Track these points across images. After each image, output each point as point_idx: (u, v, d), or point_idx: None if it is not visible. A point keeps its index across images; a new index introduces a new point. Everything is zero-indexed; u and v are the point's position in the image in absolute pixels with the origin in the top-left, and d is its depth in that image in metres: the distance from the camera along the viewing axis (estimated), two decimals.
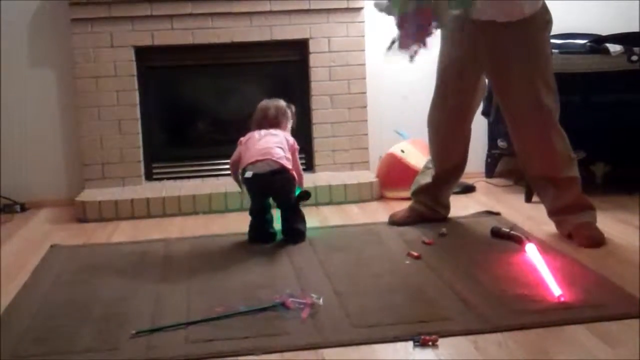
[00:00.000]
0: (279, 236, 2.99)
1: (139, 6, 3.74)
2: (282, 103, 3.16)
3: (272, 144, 2.95)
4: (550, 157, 2.85)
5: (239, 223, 3.11)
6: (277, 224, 3.00)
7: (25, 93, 3.84)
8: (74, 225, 3.48)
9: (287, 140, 3.03)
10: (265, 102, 3.16)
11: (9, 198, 3.81)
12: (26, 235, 3.33)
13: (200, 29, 3.82)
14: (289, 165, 2.93)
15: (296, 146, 3.08)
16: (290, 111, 3.17)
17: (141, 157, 3.88)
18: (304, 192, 3.04)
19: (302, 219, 3.02)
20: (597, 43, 3.56)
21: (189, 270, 2.60)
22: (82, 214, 3.54)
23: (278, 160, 2.89)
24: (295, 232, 2.96)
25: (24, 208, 3.81)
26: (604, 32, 3.65)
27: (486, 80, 3.01)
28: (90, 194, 3.67)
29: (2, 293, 2.47)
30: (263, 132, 3.03)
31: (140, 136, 3.87)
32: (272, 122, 3.09)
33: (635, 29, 3.80)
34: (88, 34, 3.74)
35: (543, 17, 2.79)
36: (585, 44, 3.58)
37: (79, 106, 3.79)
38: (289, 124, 3.17)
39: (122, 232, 3.30)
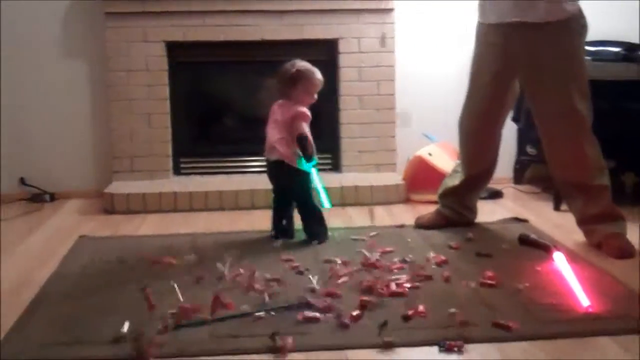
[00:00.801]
0: (299, 235, 2.99)
1: (172, 2, 3.77)
2: (287, 66, 2.93)
3: (274, 132, 2.92)
4: (582, 164, 2.82)
5: (265, 220, 3.11)
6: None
7: (57, 84, 3.90)
8: (102, 216, 3.52)
9: (289, 117, 2.87)
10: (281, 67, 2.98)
11: (38, 187, 3.87)
12: (55, 225, 3.37)
13: (232, 25, 3.84)
14: (287, 152, 2.88)
15: (301, 114, 2.86)
16: (295, 74, 2.89)
17: (170, 152, 3.92)
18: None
19: (317, 219, 2.96)
20: (630, 51, 3.53)
21: (215, 266, 2.61)
22: (110, 206, 3.58)
23: (279, 150, 2.89)
24: (308, 233, 2.96)
25: (53, 198, 3.87)
26: (638, 40, 3.61)
27: (518, 86, 2.99)
28: (119, 187, 3.70)
29: (31, 281, 2.51)
30: (275, 108, 2.96)
31: (169, 130, 3.90)
32: (282, 93, 2.95)
33: None
34: (121, 28, 3.78)
35: (578, 22, 2.77)
36: (618, 52, 3.55)
37: (110, 99, 3.83)
38: (298, 88, 2.89)
39: (149, 225, 3.32)
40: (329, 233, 2.99)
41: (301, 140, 2.84)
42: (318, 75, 2.94)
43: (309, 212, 2.98)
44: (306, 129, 2.88)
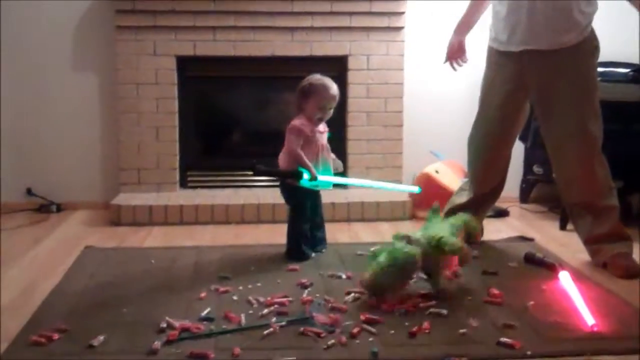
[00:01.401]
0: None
1: (183, 17, 3.80)
2: (303, 80, 2.92)
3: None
4: (591, 184, 2.82)
5: (271, 234, 3.12)
6: None
7: (67, 96, 3.92)
8: (108, 228, 3.52)
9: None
10: None
11: (45, 198, 3.88)
12: (61, 236, 3.38)
13: (242, 41, 3.87)
14: (283, 166, 2.89)
15: (291, 128, 2.85)
16: (307, 87, 2.88)
17: (177, 165, 3.93)
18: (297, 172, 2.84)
19: (295, 239, 2.93)
20: (639, 73, 3.53)
21: (219, 279, 2.62)
22: (117, 218, 3.59)
23: (279, 164, 2.92)
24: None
25: (59, 208, 3.88)
26: None
27: (528, 107, 3.00)
28: (125, 198, 3.71)
29: (35, 292, 2.51)
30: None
31: (177, 144, 3.92)
32: (296, 107, 2.93)
33: None
34: (132, 41, 3.81)
35: (592, 43, 2.79)
36: (627, 73, 3.55)
37: (119, 111, 3.85)
38: (310, 102, 2.87)
39: (155, 238, 3.33)
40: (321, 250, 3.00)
41: (291, 156, 2.86)
42: (331, 90, 2.89)
43: (290, 228, 2.95)
44: (296, 143, 2.84)
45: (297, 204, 2.95)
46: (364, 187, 3.16)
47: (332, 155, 3.04)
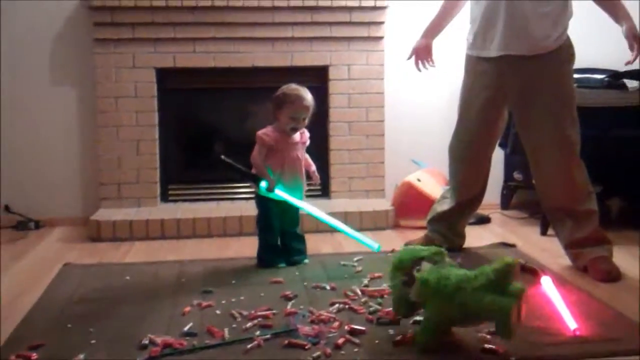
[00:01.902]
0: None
1: (163, 29, 3.79)
2: (277, 92, 2.95)
3: None
4: (570, 189, 2.85)
5: (254, 247, 3.10)
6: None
7: (46, 110, 3.88)
8: (88, 244, 3.49)
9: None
10: None
11: (23, 215, 3.83)
12: (40, 253, 3.34)
13: (222, 52, 3.86)
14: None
15: (257, 137, 2.91)
16: (280, 97, 2.92)
17: (158, 178, 3.91)
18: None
19: (261, 245, 3.02)
20: (615, 78, 3.57)
21: (202, 293, 2.60)
22: (96, 234, 3.55)
23: None
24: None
25: (38, 225, 3.82)
26: (622, 68, 3.65)
27: (507, 113, 3.02)
28: (105, 214, 3.69)
29: (14, 309, 2.48)
30: None
31: (157, 157, 3.90)
32: (273, 116, 2.98)
33: None
34: (110, 54, 3.79)
35: (568, 50, 2.82)
36: (603, 79, 3.59)
37: (99, 125, 3.83)
38: (283, 112, 2.89)
39: (136, 253, 3.30)
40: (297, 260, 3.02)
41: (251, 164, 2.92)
42: (304, 101, 2.90)
43: (259, 234, 3.03)
44: (258, 152, 2.90)
45: (262, 211, 3.00)
46: (321, 220, 3.05)
47: (313, 168, 3.05)
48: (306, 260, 3.03)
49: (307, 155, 3.07)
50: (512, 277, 1.99)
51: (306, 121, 2.95)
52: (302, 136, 2.99)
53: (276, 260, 2.98)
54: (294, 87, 2.94)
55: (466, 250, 3.18)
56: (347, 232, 3.06)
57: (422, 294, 2.07)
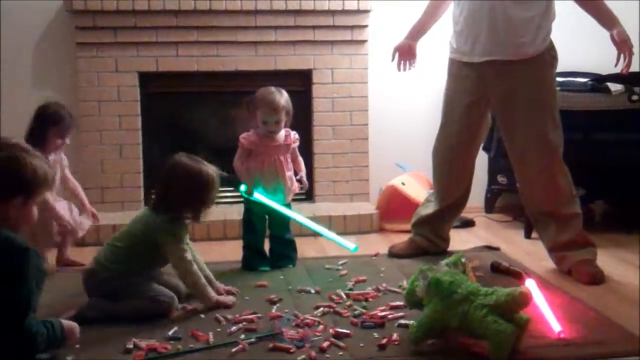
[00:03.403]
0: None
1: (145, 32, 3.77)
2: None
3: None
4: (553, 192, 2.86)
5: (237, 251, 3.09)
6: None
7: (28, 114, 3.82)
8: (72, 249, 3.44)
9: None
10: None
11: None
12: None
13: (205, 56, 3.85)
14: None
15: (240, 140, 2.96)
16: (252, 100, 2.95)
17: (141, 183, 3.88)
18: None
19: (244, 247, 3.05)
20: (598, 82, 3.59)
21: (186, 297, 2.58)
22: (80, 238, 3.51)
23: None
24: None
25: None
26: (605, 71, 3.68)
27: (490, 116, 3.03)
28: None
29: None
30: None
31: (141, 161, 3.87)
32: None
33: (636, 69, 3.84)
34: (93, 58, 3.77)
35: (549, 54, 2.84)
36: (586, 82, 3.61)
37: (81, 129, 3.78)
38: (256, 115, 2.92)
39: None
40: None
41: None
42: (273, 104, 2.87)
43: (243, 237, 3.07)
44: (238, 155, 2.95)
45: (246, 214, 3.03)
46: (298, 222, 3.05)
47: (302, 173, 3.04)
48: (290, 265, 3.02)
49: (300, 159, 3.06)
50: (522, 307, 2.03)
51: (281, 124, 2.92)
52: (287, 138, 2.98)
53: (258, 264, 2.98)
54: (265, 91, 2.93)
55: (450, 254, 3.17)
56: (323, 233, 3.04)
57: (430, 292, 2.09)
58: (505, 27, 2.76)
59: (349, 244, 2.96)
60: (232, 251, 3.22)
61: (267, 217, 3.02)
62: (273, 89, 2.95)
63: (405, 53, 3.08)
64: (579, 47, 3.80)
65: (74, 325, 1.95)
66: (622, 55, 2.72)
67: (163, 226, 2.45)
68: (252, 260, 2.99)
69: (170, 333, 2.22)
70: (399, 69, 3.10)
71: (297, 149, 3.04)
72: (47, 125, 2.97)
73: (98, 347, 2.12)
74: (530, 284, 2.52)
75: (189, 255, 2.47)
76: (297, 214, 3.04)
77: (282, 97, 2.91)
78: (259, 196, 2.92)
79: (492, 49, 2.80)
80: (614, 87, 3.52)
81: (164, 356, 2.06)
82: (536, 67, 2.81)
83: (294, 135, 3.01)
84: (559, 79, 3.44)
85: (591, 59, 3.86)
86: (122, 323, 2.31)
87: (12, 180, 1.87)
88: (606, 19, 2.76)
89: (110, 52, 3.78)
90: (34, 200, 1.92)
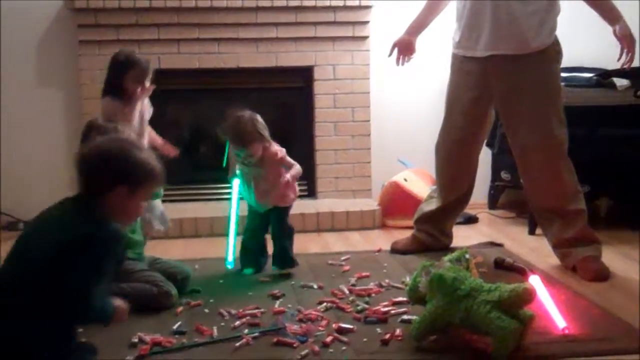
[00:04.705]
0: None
1: (147, 30, 3.77)
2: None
3: None
4: (558, 188, 2.84)
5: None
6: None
7: (32, 112, 3.85)
8: None
9: None
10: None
11: (12, 216, 3.80)
12: None
13: (207, 53, 3.85)
14: None
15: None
16: None
17: None
18: None
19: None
20: (604, 77, 3.57)
21: (190, 292, 2.58)
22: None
23: None
24: None
25: None
26: (610, 66, 3.66)
27: (493, 112, 3.02)
28: None
29: None
30: None
31: None
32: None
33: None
34: (95, 55, 3.76)
35: (554, 49, 2.82)
36: (591, 77, 3.59)
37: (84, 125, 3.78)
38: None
39: None
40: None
41: None
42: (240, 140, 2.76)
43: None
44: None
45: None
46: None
47: (295, 169, 2.86)
48: (274, 269, 2.88)
49: (295, 165, 2.84)
50: (526, 303, 2.01)
51: (256, 154, 2.76)
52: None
53: (244, 264, 2.89)
54: (231, 122, 2.79)
55: (453, 249, 3.16)
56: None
57: (433, 288, 2.08)
58: (508, 21, 2.74)
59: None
60: (236, 247, 3.21)
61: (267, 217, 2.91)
62: (242, 116, 2.76)
63: (404, 48, 3.07)
64: (584, 41, 3.78)
65: (125, 307, 1.92)
66: (624, 50, 2.71)
67: None
68: (241, 260, 2.90)
69: (174, 327, 2.22)
70: (397, 64, 3.09)
71: (286, 157, 2.84)
72: (122, 72, 2.79)
73: (103, 341, 2.11)
74: (535, 280, 2.51)
75: None
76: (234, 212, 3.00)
77: (249, 126, 2.73)
78: (234, 186, 2.90)
79: (495, 43, 2.78)
80: (620, 82, 3.50)
81: (168, 350, 2.06)
82: (540, 62, 2.79)
83: (275, 148, 2.81)
84: (563, 74, 3.42)
85: (596, 54, 3.83)
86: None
87: (117, 168, 1.85)
88: (609, 14, 2.74)
89: (112, 49, 3.72)
90: (141, 193, 1.90)
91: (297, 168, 2.85)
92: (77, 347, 1.92)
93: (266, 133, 2.77)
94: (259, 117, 2.79)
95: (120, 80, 2.81)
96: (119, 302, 1.90)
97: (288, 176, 2.81)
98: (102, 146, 1.92)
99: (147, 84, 2.86)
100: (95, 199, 1.84)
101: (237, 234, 2.98)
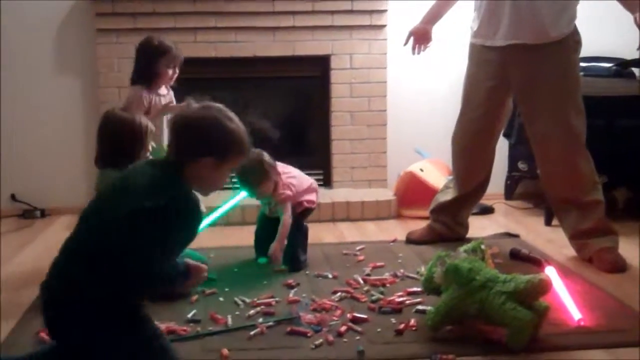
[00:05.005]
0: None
1: (164, 18, 3.77)
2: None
3: None
4: (576, 179, 2.82)
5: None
6: None
7: (49, 100, 3.87)
8: None
9: None
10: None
11: (29, 204, 3.84)
12: (45, 242, 3.33)
13: (223, 42, 3.84)
14: None
15: None
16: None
17: None
18: None
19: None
20: (623, 67, 3.54)
21: (206, 281, 2.59)
22: None
23: None
24: None
25: (44, 214, 3.83)
26: (630, 56, 3.62)
27: (511, 102, 3.00)
28: None
29: (20, 299, 2.48)
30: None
31: None
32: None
33: None
34: (113, 44, 3.77)
35: (573, 38, 2.79)
36: (610, 67, 3.56)
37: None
38: None
39: None
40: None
41: None
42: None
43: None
44: None
45: None
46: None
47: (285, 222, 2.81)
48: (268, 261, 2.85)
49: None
50: (541, 295, 2.01)
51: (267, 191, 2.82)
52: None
53: (258, 253, 2.91)
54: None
55: (469, 240, 3.15)
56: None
57: (448, 279, 2.08)
58: (527, 11, 2.72)
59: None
60: (251, 236, 3.21)
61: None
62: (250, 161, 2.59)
63: (420, 37, 3.05)
64: (603, 31, 3.74)
65: (200, 266, 1.86)
66: None
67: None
68: (255, 248, 2.94)
69: (189, 316, 2.24)
70: (413, 53, 3.08)
71: (288, 202, 2.82)
72: (155, 57, 2.91)
73: None
74: (550, 272, 2.51)
75: None
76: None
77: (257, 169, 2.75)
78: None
79: (514, 32, 2.75)
80: (639, 72, 3.47)
81: (183, 338, 2.08)
82: (560, 52, 2.76)
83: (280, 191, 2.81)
84: (582, 64, 3.39)
85: (615, 44, 3.79)
86: None
87: (205, 138, 1.84)
88: (630, 1, 2.71)
89: (130, 38, 3.78)
90: (229, 164, 1.87)
91: (286, 222, 2.78)
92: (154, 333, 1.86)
93: (274, 171, 2.78)
94: (265, 156, 2.78)
95: (152, 66, 2.90)
96: (192, 262, 1.85)
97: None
98: (199, 114, 1.92)
99: (177, 70, 2.95)
100: (183, 165, 1.81)
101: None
